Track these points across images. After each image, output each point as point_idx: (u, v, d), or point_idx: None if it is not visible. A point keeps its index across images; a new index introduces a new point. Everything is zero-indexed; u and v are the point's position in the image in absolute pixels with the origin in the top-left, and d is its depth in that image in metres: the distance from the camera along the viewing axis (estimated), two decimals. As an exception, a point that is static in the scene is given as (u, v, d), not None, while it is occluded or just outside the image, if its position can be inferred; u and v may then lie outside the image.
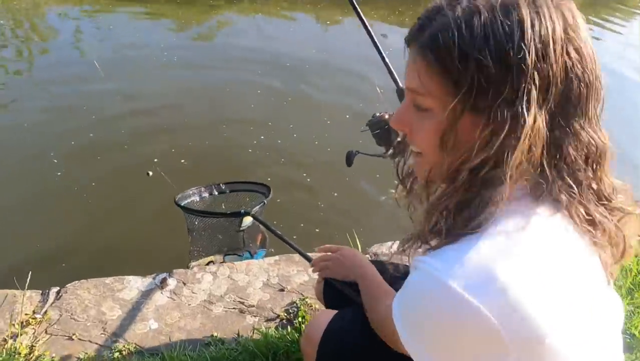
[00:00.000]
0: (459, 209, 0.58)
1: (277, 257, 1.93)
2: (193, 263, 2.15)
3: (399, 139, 1.07)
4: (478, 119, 0.55)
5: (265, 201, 1.96)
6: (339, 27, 6.59)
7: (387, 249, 1.96)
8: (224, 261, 2.18)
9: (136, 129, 3.51)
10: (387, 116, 1.12)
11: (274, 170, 3.27)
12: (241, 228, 2.05)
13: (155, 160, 3.15)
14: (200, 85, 4.34)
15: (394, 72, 1.14)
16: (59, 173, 2.98)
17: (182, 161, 3.21)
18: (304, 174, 3.25)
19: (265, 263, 1.89)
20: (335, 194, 3.08)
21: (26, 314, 1.73)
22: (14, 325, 1.66)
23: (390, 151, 1.12)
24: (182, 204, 2.00)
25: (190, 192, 2.20)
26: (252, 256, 2.21)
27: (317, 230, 2.80)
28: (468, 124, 0.56)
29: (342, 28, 6.56)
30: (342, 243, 2.56)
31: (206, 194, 2.27)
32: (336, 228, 2.77)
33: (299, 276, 1.83)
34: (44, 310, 1.76)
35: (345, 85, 4.57)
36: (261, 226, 2.02)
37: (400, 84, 1.12)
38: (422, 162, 0.65)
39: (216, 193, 2.29)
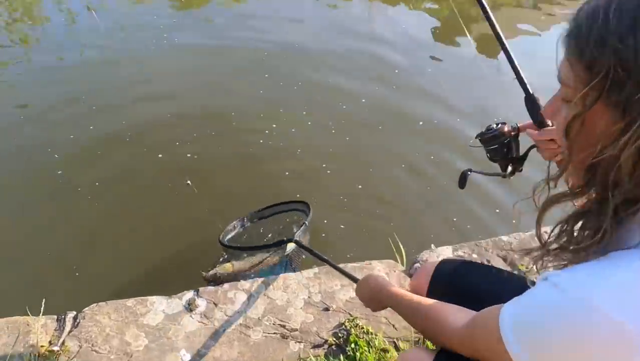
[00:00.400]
0: (599, 223, 0.54)
1: (316, 269, 1.73)
2: (210, 273, 2.00)
3: (518, 153, 1.02)
4: (610, 112, 0.50)
5: (307, 223, 1.83)
6: (348, 6, 6.25)
7: (439, 256, 1.77)
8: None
9: (137, 119, 3.23)
10: (506, 129, 0.95)
11: (289, 162, 3.04)
12: (286, 254, 1.92)
13: (160, 156, 2.93)
14: (203, 68, 4.03)
15: (524, 78, 0.94)
16: (59, 172, 2.75)
17: (189, 155, 2.98)
18: (324, 165, 3.04)
19: (304, 278, 1.70)
20: (360, 186, 2.88)
21: (42, 346, 1.54)
22: (30, 360, 1.48)
23: (509, 170, 0.98)
24: (226, 242, 1.95)
25: (233, 225, 2.16)
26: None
27: (342, 226, 2.60)
28: (599, 116, 0.52)
29: (351, 7, 6.22)
30: (379, 246, 2.40)
31: (248, 223, 2.19)
32: (365, 225, 2.58)
33: (344, 292, 1.64)
34: (61, 339, 1.58)
35: (359, 67, 4.30)
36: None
37: (530, 91, 0.93)
38: (556, 152, 0.67)
39: (256, 220, 2.20)
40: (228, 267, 2.09)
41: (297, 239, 1.73)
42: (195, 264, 1.99)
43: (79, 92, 3.50)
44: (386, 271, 1.72)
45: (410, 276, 1.72)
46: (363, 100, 3.74)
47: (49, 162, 2.81)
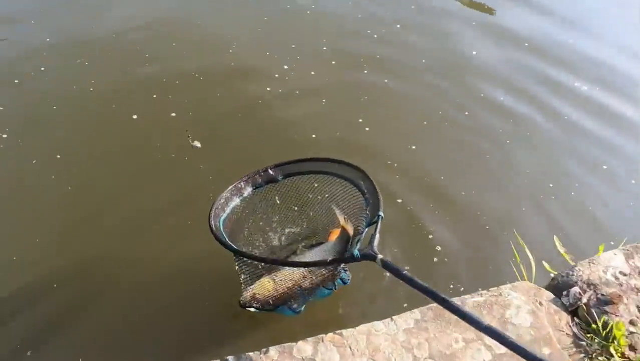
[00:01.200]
0: None
1: (416, 313, 1.06)
2: (247, 294, 1.34)
3: None
4: None
5: (381, 214, 1.11)
6: None
7: (606, 270, 1.10)
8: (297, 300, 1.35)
9: (101, 68, 2.43)
10: None
11: (311, 123, 2.24)
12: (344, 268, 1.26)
13: (135, 117, 2.16)
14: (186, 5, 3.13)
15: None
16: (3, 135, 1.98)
17: (173, 114, 2.19)
18: (360, 120, 2.30)
19: (400, 329, 1.04)
20: (414, 147, 2.16)
21: None
22: None
23: None
24: (226, 236, 1.20)
25: (226, 195, 1.40)
26: (343, 283, 1.39)
27: (398, 199, 1.90)
28: None
29: None
30: (477, 248, 1.68)
31: (249, 190, 1.44)
32: (440, 209, 1.85)
33: (473, 352, 0.99)
34: None
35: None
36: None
37: None
38: None
39: (264, 185, 1.47)
40: (267, 285, 1.41)
41: (383, 257, 1.01)
42: (221, 308, 1.30)
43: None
44: (530, 308, 1.06)
45: (570, 309, 1.06)
46: (397, 25, 2.93)
47: None
